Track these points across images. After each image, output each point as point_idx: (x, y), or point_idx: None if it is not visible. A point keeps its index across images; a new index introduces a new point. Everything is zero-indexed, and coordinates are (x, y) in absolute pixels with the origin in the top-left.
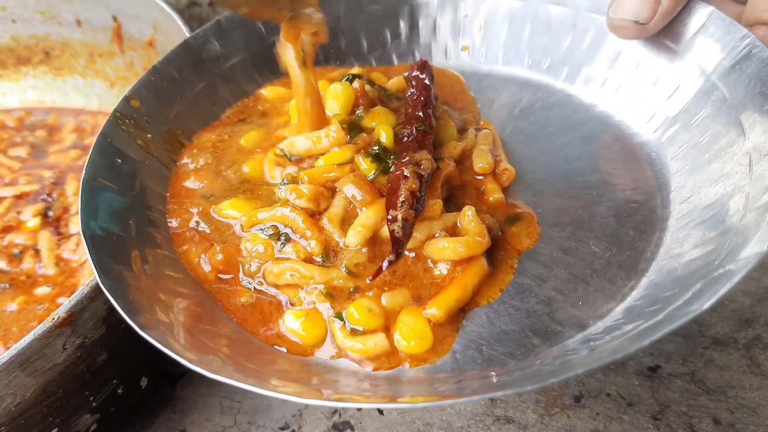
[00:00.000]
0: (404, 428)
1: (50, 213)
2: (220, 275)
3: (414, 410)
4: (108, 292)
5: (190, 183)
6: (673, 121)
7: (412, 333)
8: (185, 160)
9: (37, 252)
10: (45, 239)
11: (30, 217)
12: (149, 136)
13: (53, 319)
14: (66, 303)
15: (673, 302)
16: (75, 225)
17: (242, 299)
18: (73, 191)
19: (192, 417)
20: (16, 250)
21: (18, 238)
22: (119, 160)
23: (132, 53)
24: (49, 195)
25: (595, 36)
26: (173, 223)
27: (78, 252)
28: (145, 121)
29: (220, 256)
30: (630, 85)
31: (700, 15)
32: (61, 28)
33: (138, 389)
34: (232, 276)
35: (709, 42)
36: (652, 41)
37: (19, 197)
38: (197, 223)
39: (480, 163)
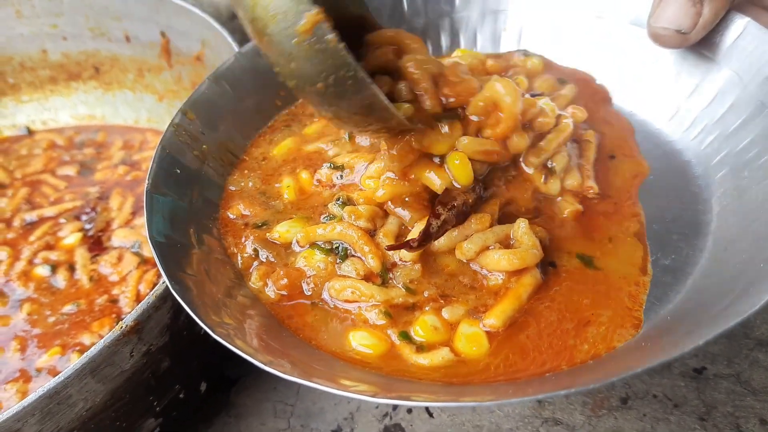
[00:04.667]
0: (454, 430)
1: (89, 229)
2: (283, 295)
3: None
4: (178, 296)
5: (241, 210)
6: (712, 128)
7: (470, 342)
8: (235, 176)
9: (71, 267)
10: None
11: (68, 234)
12: (204, 147)
13: (121, 327)
14: (133, 312)
15: (721, 303)
16: (117, 238)
17: (307, 318)
18: (117, 205)
19: (247, 421)
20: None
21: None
22: (178, 171)
23: (180, 68)
24: (93, 209)
25: (633, 46)
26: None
27: (121, 265)
28: (200, 133)
29: (284, 281)
30: (669, 94)
31: (737, 25)
32: (110, 44)
33: (198, 394)
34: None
35: (747, 51)
36: (689, 51)
37: (59, 215)
38: (255, 251)
39: (570, 180)
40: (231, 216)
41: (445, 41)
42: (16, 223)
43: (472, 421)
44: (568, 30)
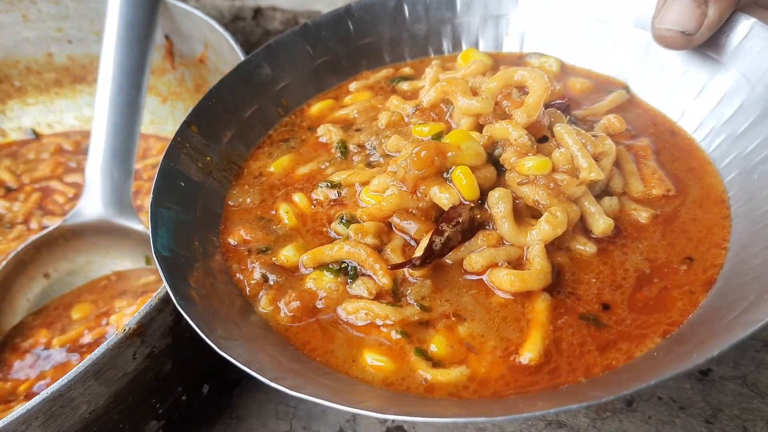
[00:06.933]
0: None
1: None
2: (296, 318)
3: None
4: (184, 312)
5: (243, 235)
6: (720, 130)
7: (491, 366)
8: (234, 191)
9: None
10: None
11: None
12: (208, 158)
13: (124, 330)
14: (136, 314)
15: (734, 311)
16: None
17: (321, 339)
18: None
19: (249, 422)
20: None
21: None
22: (182, 183)
23: (183, 70)
24: None
25: (637, 49)
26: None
27: None
28: (204, 145)
29: (297, 303)
30: (675, 96)
31: (743, 26)
32: None
33: (200, 396)
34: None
35: (753, 53)
36: (694, 52)
37: None
38: (264, 276)
39: (637, 187)
40: (232, 242)
41: (447, 46)
42: (34, 225)
43: (475, 424)
44: (571, 34)
